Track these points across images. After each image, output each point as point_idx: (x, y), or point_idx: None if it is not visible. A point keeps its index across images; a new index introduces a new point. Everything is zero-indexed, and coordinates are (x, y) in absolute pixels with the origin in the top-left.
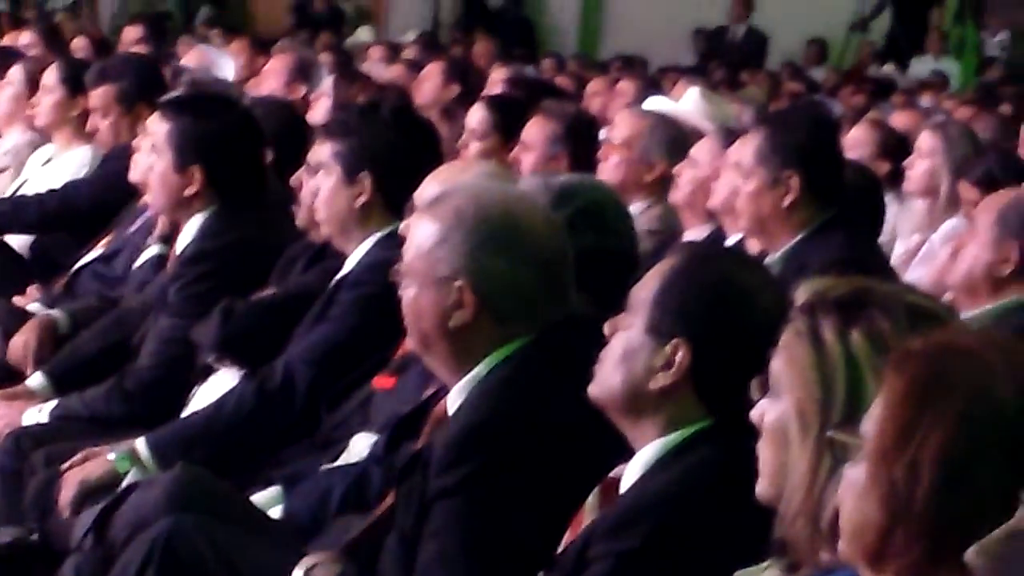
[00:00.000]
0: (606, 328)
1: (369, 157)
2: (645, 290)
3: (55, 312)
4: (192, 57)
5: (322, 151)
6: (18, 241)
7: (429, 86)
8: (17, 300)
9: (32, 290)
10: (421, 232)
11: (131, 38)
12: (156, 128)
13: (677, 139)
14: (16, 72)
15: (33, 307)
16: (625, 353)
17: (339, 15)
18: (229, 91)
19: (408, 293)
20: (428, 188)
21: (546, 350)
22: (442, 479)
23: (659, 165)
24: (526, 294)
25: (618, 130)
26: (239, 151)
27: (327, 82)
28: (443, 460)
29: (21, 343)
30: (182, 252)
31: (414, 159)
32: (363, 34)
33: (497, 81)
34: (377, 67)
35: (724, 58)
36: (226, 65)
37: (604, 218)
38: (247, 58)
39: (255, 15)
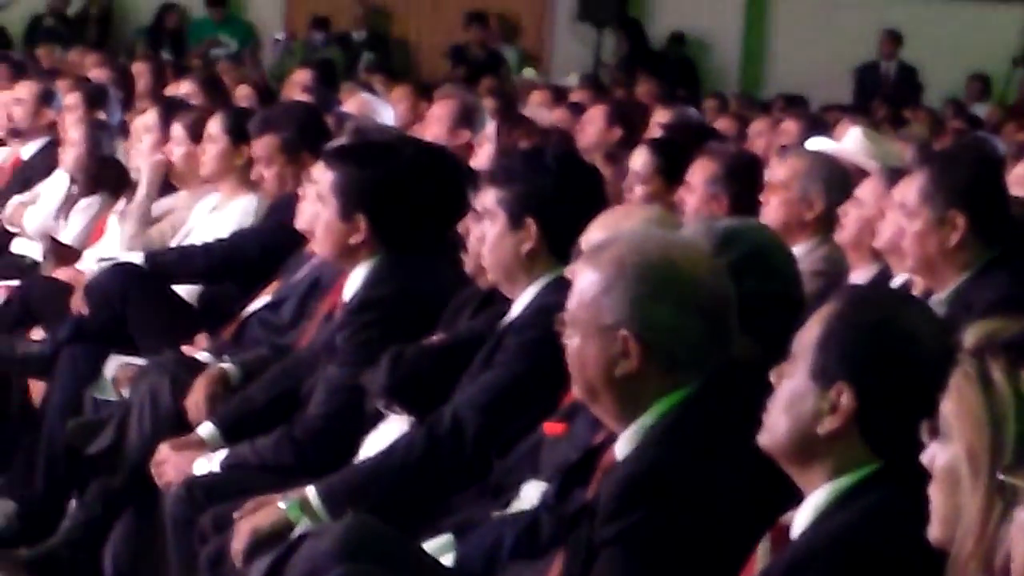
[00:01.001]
0: (772, 376)
1: (534, 203)
2: (807, 335)
3: (227, 364)
4: (352, 104)
5: (487, 197)
6: (186, 290)
7: (592, 129)
8: (186, 349)
9: (201, 339)
10: (584, 281)
11: (299, 81)
12: (320, 177)
13: (835, 177)
14: (178, 129)
15: (202, 356)
16: (791, 400)
17: (498, 58)
18: (394, 138)
19: (573, 343)
20: (593, 233)
21: (712, 398)
22: (607, 528)
23: (818, 203)
24: (691, 342)
25: (776, 171)
26: (404, 199)
27: (490, 127)
28: (607, 509)
29: (195, 402)
30: (349, 300)
31: (579, 204)
32: (529, 73)
33: (660, 124)
34: (540, 111)
35: (879, 95)
36: (385, 112)
37: (768, 262)
38: (410, 103)
39: (417, 60)
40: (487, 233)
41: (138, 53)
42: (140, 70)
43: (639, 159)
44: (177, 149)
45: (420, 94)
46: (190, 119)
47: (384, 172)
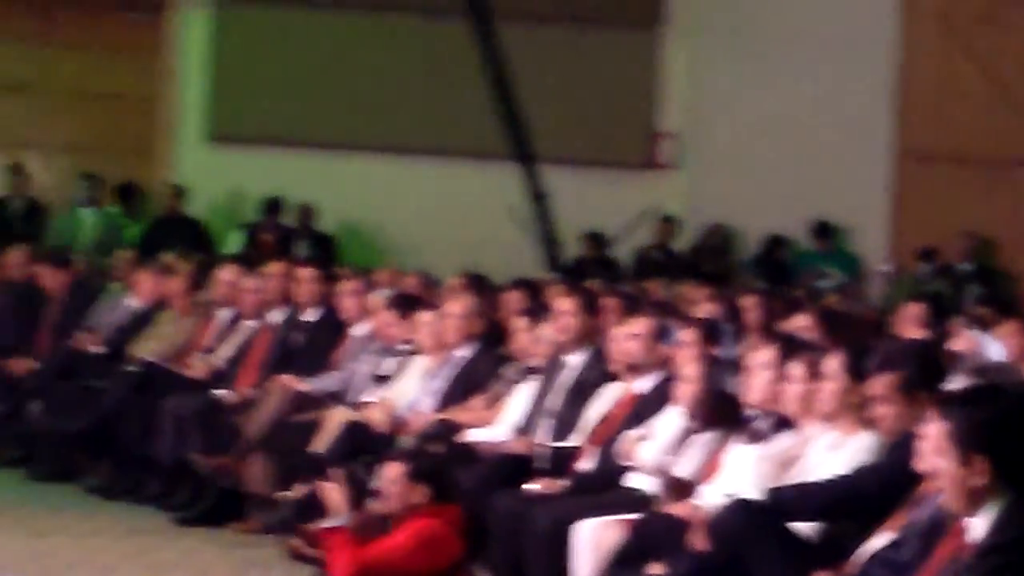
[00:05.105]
0: None
1: None
2: None
3: None
4: (960, 342)
5: None
6: (804, 526)
7: None
8: None
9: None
10: None
11: (912, 315)
12: (936, 423)
13: None
14: (797, 368)
15: None
16: None
17: None
18: (1010, 376)
19: None
20: None
21: None
22: None
23: None
24: None
25: None
26: None
27: None
28: None
29: None
30: (976, 544)
31: None
32: None
33: None
34: None
35: None
36: (994, 348)
37: None
38: (1020, 339)
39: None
40: None
41: (745, 284)
42: (749, 303)
43: None
44: (794, 388)
45: None
46: (809, 359)
47: (1002, 413)
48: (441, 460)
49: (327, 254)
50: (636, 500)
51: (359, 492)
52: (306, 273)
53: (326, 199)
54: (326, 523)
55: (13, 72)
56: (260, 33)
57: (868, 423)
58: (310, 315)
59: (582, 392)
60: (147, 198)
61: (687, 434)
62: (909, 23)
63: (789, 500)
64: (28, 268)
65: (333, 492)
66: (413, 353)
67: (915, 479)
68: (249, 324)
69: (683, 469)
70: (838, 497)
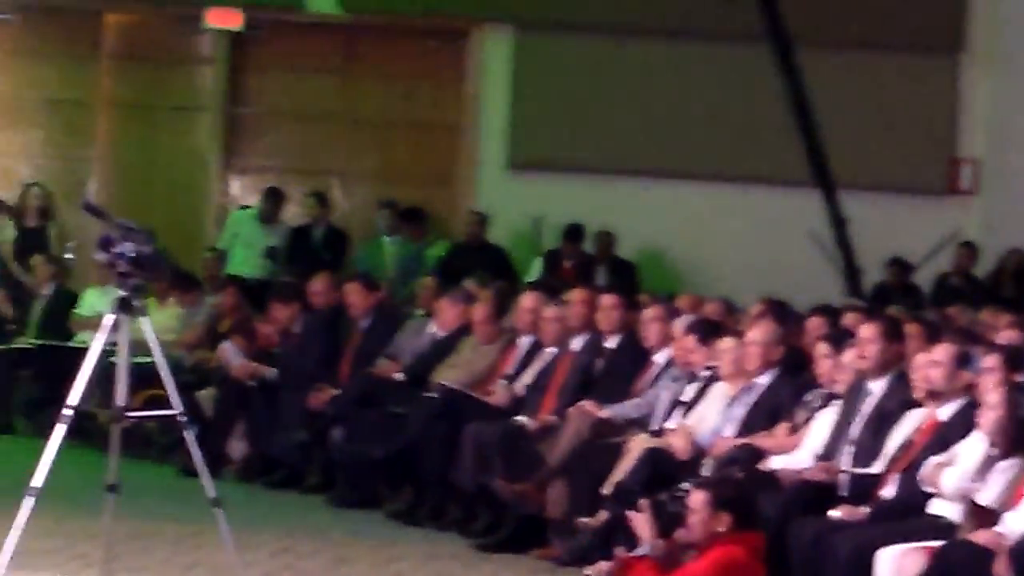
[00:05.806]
0: None
1: None
2: None
3: None
4: None
5: None
6: None
7: None
8: None
9: None
10: None
11: None
12: None
13: None
14: None
15: None
16: None
17: None
18: None
19: None
20: None
21: None
22: None
23: None
24: None
25: None
26: None
27: None
28: None
29: None
30: None
31: None
32: None
33: None
34: None
35: None
36: None
37: None
38: None
39: None
40: None
41: None
42: None
43: None
44: None
45: None
46: None
47: None
48: (743, 487)
49: (627, 281)
50: (939, 527)
51: (665, 520)
52: (608, 300)
53: (626, 226)
54: (630, 551)
55: (317, 102)
56: (560, 60)
57: None
58: (611, 342)
59: (884, 419)
60: (443, 224)
61: (990, 461)
62: None
63: None
64: (333, 295)
65: (639, 520)
66: (714, 379)
67: None
68: (550, 351)
69: (986, 496)
70: None
